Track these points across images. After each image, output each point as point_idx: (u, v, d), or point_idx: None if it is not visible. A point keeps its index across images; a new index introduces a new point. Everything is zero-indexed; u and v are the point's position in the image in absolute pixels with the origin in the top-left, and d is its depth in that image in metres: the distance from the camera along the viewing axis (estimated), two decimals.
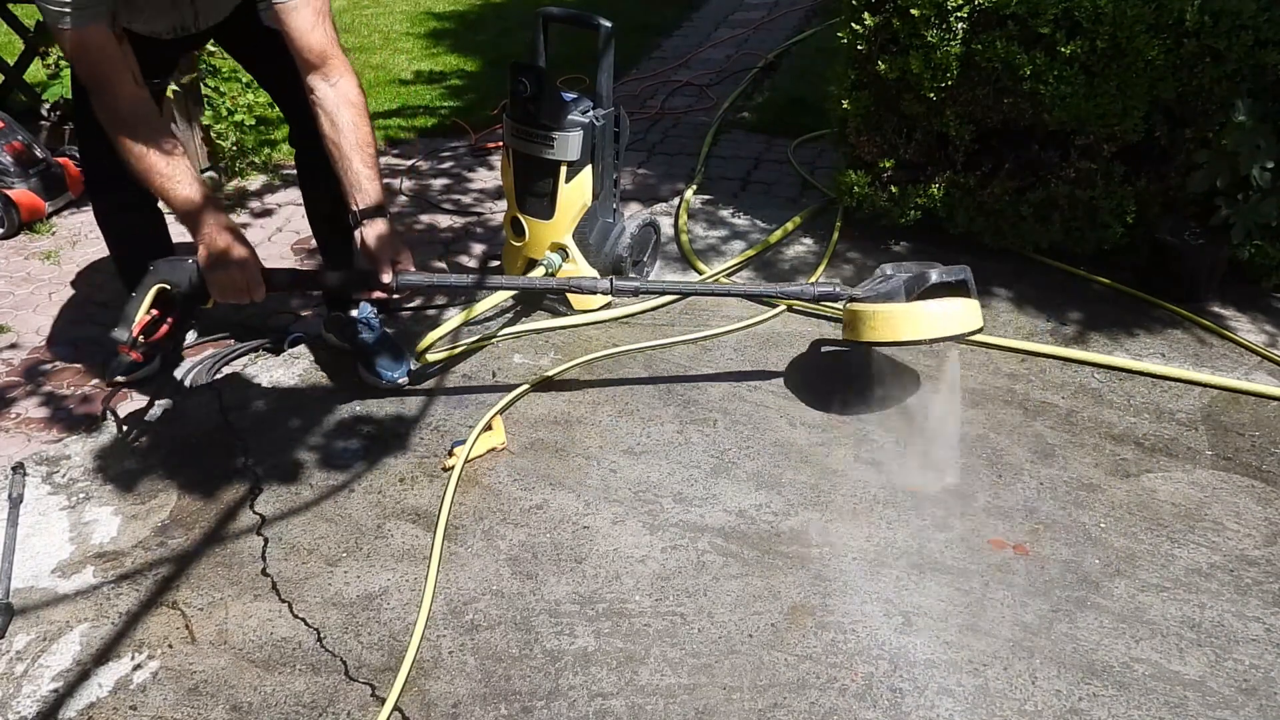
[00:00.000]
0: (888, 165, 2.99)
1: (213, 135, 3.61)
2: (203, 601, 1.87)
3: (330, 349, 2.60)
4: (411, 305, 2.87)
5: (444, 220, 3.51)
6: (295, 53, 2.04)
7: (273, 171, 3.87)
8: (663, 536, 2.01)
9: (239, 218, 3.53)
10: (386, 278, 2.05)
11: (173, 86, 3.29)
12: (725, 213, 3.40)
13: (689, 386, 2.47)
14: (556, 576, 1.91)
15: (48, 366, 2.67)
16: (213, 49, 3.48)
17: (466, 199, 3.67)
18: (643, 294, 2.27)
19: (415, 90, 4.79)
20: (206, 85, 3.60)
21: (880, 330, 2.16)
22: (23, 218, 3.35)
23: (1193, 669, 1.72)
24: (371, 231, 2.06)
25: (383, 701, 1.67)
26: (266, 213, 3.57)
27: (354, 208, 2.07)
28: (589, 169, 2.57)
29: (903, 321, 2.14)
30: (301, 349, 2.64)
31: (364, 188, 2.07)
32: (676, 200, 3.46)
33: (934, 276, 2.15)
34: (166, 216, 2.38)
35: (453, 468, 2.15)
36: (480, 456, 2.22)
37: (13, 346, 2.76)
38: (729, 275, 2.95)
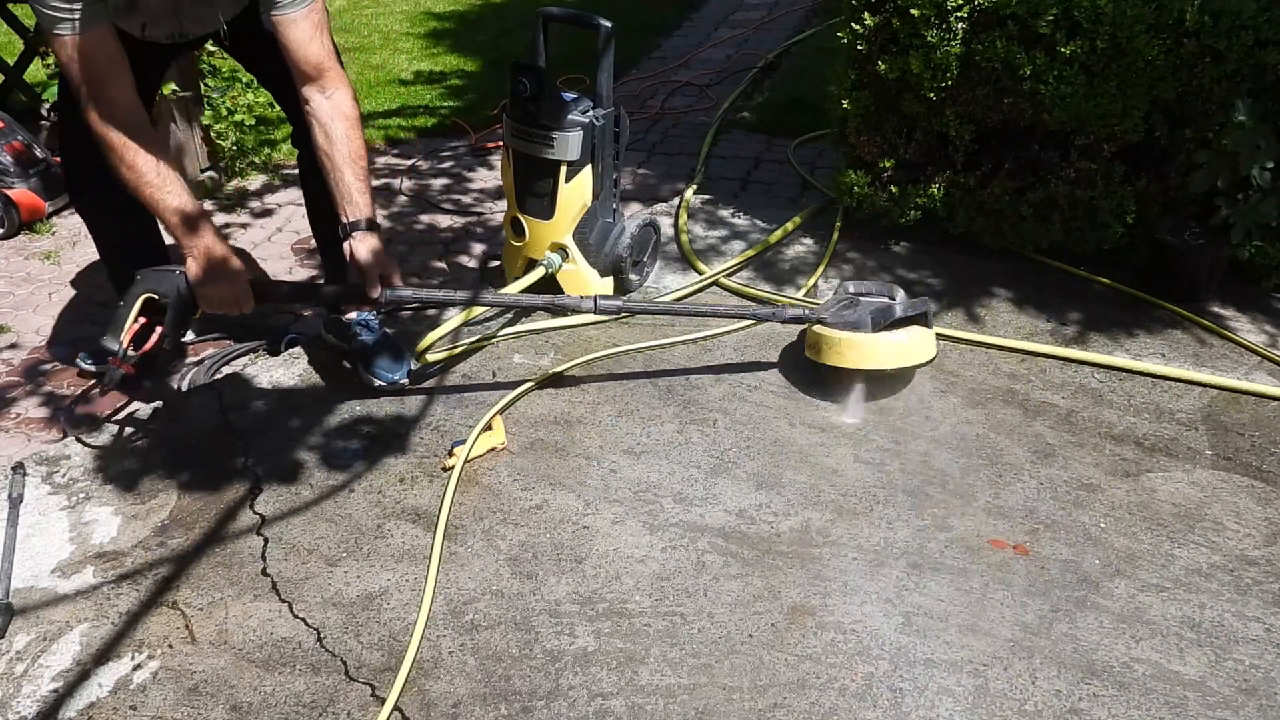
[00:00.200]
0: (888, 165, 2.99)
1: (213, 135, 3.61)
2: (203, 601, 1.87)
3: (330, 349, 2.60)
4: (412, 305, 2.87)
5: (444, 220, 3.51)
6: (292, 64, 2.05)
7: (273, 171, 3.87)
8: (663, 536, 2.01)
9: (239, 218, 3.53)
10: (374, 293, 2.07)
11: (172, 86, 3.30)
12: (725, 213, 3.40)
13: (689, 386, 2.47)
14: (556, 576, 1.91)
15: (48, 366, 2.67)
16: (212, 48, 3.47)
17: (466, 199, 3.67)
18: (626, 313, 2.30)
19: (415, 90, 4.79)
20: (206, 85, 3.60)
21: (845, 357, 2.31)
22: (23, 218, 3.36)
23: (1193, 669, 1.72)
24: (361, 245, 2.07)
25: (383, 701, 1.67)
26: (266, 213, 3.57)
27: (344, 219, 2.09)
28: (589, 169, 2.57)
29: (866, 351, 2.30)
30: (301, 349, 2.64)
31: (355, 200, 2.08)
32: (676, 200, 3.46)
33: (898, 311, 2.31)
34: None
35: (453, 468, 2.15)
36: (480, 456, 2.22)
37: (13, 346, 2.76)
38: (729, 275, 2.95)
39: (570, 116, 2.50)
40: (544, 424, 2.34)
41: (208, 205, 3.60)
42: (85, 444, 2.27)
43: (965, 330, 2.67)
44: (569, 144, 2.50)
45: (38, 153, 3.41)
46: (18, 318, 2.90)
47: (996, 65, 2.66)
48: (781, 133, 4.04)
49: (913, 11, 2.68)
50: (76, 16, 1.80)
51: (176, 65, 3.20)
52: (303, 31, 2.02)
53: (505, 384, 2.47)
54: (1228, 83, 2.57)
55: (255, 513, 2.09)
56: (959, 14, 2.66)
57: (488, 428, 2.27)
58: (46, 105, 3.76)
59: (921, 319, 2.35)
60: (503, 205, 3.36)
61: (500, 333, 2.66)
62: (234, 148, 3.70)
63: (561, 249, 2.65)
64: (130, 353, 2.01)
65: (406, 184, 3.78)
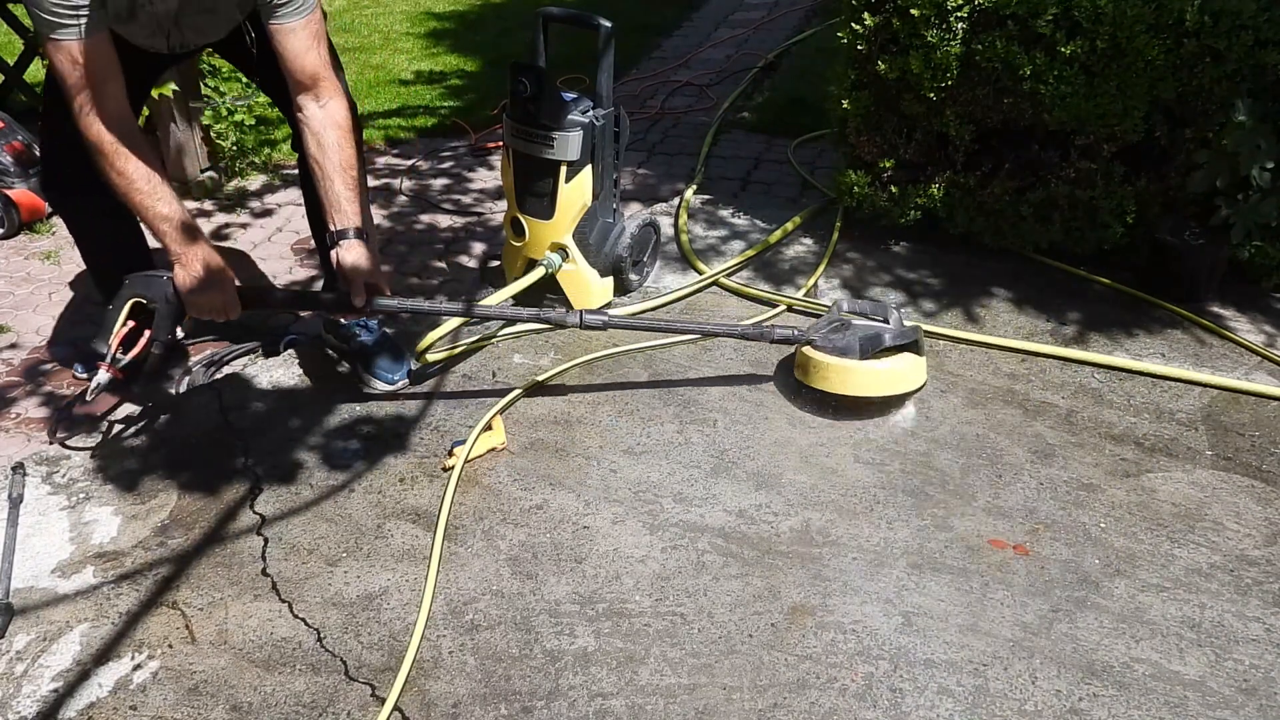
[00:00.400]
0: (888, 165, 2.99)
1: (213, 135, 3.61)
2: (203, 601, 1.87)
3: (330, 349, 2.60)
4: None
5: (444, 220, 3.51)
6: (287, 73, 2.05)
7: (273, 171, 3.87)
8: (663, 536, 2.01)
9: (239, 218, 3.53)
10: (359, 302, 2.07)
11: (172, 86, 3.30)
12: (725, 213, 3.40)
13: (689, 386, 2.47)
14: (556, 576, 1.91)
15: (48, 366, 2.67)
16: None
17: (466, 199, 3.67)
18: (611, 328, 2.30)
19: (415, 90, 4.79)
20: (206, 85, 3.60)
21: (830, 382, 2.32)
22: (23, 218, 3.35)
23: (1193, 669, 1.72)
24: (347, 254, 2.07)
25: (383, 701, 1.67)
26: (266, 213, 3.57)
27: (331, 228, 2.09)
28: (589, 169, 2.57)
29: (851, 379, 2.30)
30: (301, 349, 2.64)
31: (343, 209, 2.08)
32: (676, 200, 3.46)
33: (888, 340, 2.30)
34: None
35: (453, 468, 2.15)
36: (480, 456, 2.22)
37: (13, 346, 2.76)
38: (729, 275, 2.95)
39: (570, 116, 2.50)
40: (544, 424, 2.34)
41: (208, 205, 3.60)
42: (71, 449, 2.26)
43: (965, 330, 2.67)
44: (569, 144, 2.50)
45: (38, 153, 3.41)
46: (18, 318, 2.90)
47: (996, 65, 2.66)
48: (781, 133, 4.04)
49: (913, 11, 2.68)
50: (81, 22, 1.80)
51: (176, 67, 3.19)
52: (300, 41, 2.02)
53: (505, 384, 2.47)
54: (1228, 83, 2.57)
55: (255, 513, 2.09)
56: (959, 14, 2.66)
57: (488, 428, 2.27)
58: None
59: (913, 347, 2.33)
60: (503, 205, 3.36)
61: (500, 333, 2.66)
62: (234, 148, 3.70)
63: (561, 249, 2.65)
64: (119, 356, 2.01)
65: (406, 184, 3.78)
